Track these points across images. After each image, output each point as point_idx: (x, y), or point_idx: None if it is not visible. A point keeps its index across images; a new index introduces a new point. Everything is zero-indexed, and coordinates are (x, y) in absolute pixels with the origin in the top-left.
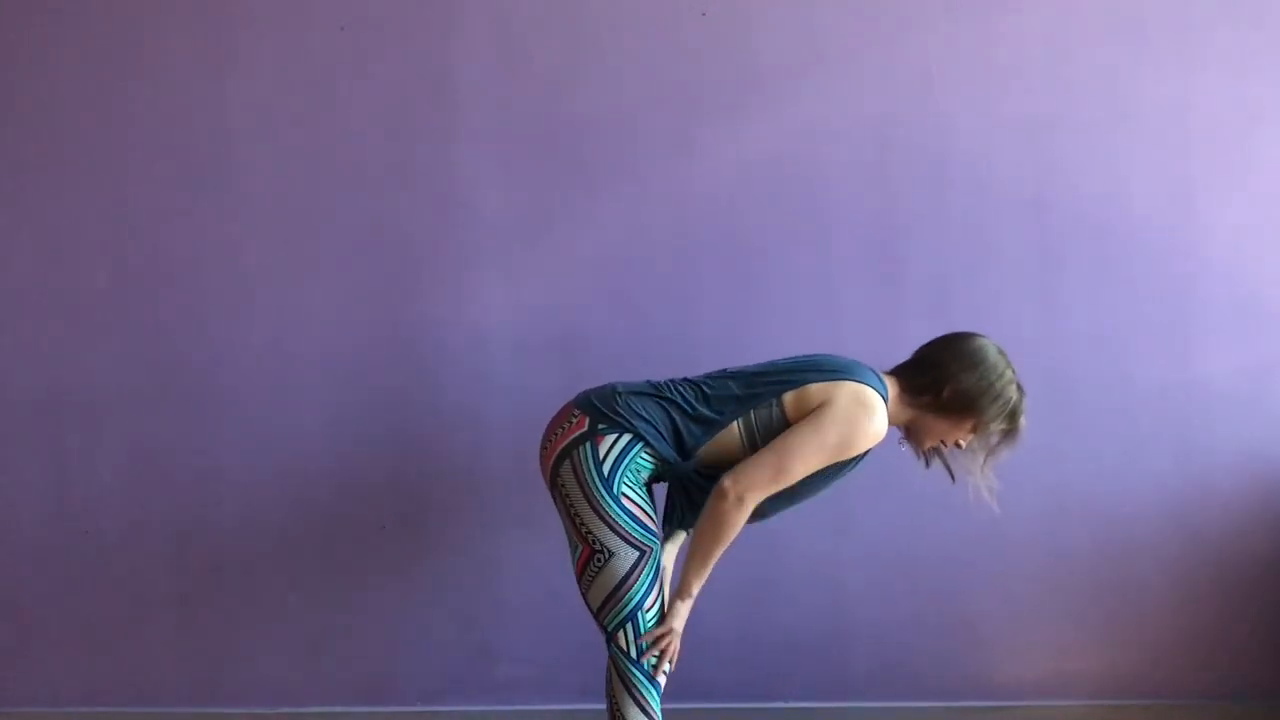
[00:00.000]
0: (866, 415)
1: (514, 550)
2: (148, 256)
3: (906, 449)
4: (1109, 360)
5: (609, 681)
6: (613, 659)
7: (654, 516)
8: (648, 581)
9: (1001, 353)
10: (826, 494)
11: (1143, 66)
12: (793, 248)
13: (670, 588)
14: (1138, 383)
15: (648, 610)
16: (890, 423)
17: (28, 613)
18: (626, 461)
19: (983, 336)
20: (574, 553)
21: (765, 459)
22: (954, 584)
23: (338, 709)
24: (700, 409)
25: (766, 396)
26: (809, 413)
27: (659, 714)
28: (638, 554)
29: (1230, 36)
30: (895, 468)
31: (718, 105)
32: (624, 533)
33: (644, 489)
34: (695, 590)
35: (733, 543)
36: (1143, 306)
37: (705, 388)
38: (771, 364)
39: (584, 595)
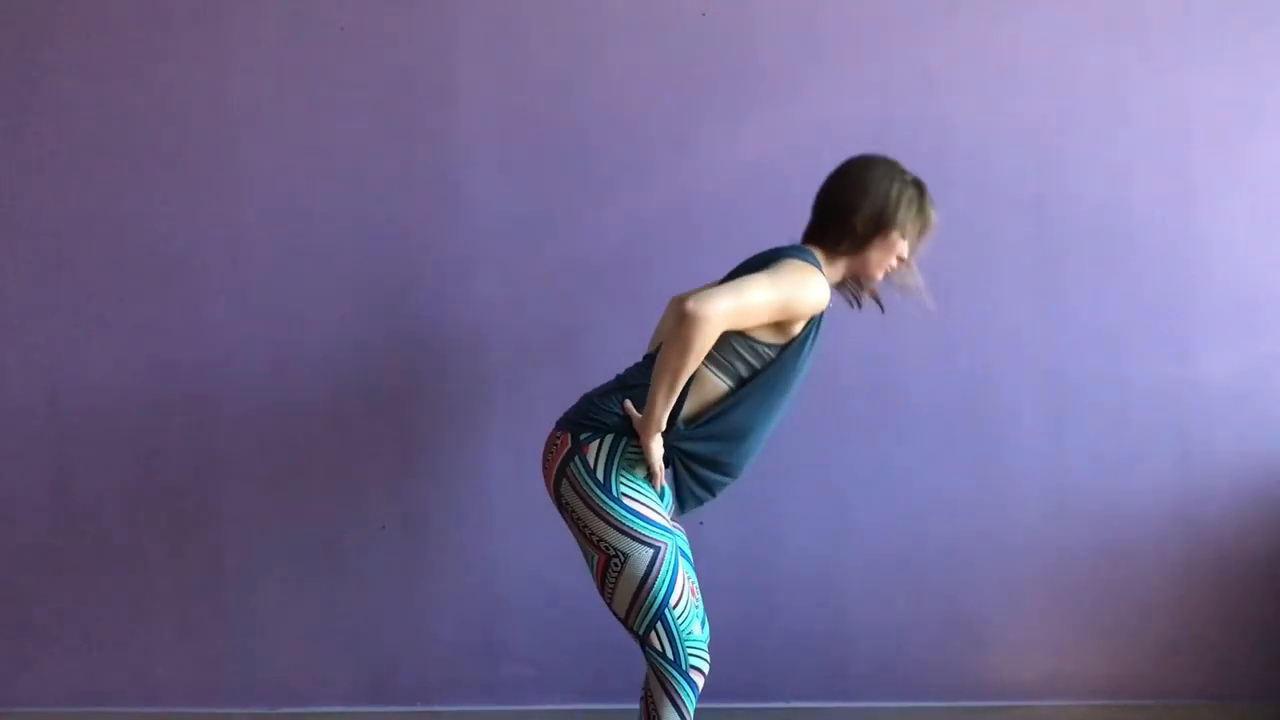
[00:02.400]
0: (809, 276)
1: (514, 550)
2: (148, 256)
3: (858, 308)
4: (1109, 359)
5: (646, 683)
6: (649, 661)
7: (659, 511)
8: (669, 578)
9: (884, 159)
10: (797, 396)
11: (1143, 66)
12: None
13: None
14: (1138, 382)
15: (674, 607)
16: (835, 286)
17: (28, 613)
18: (617, 459)
19: (860, 156)
20: (591, 565)
21: (724, 285)
22: (954, 584)
23: (338, 709)
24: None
25: None
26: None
27: (691, 715)
28: (652, 551)
29: (1230, 37)
30: (894, 467)
31: (718, 105)
32: (633, 532)
33: (645, 484)
34: (662, 417)
35: (732, 540)
36: (1143, 306)
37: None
38: None
39: (609, 605)
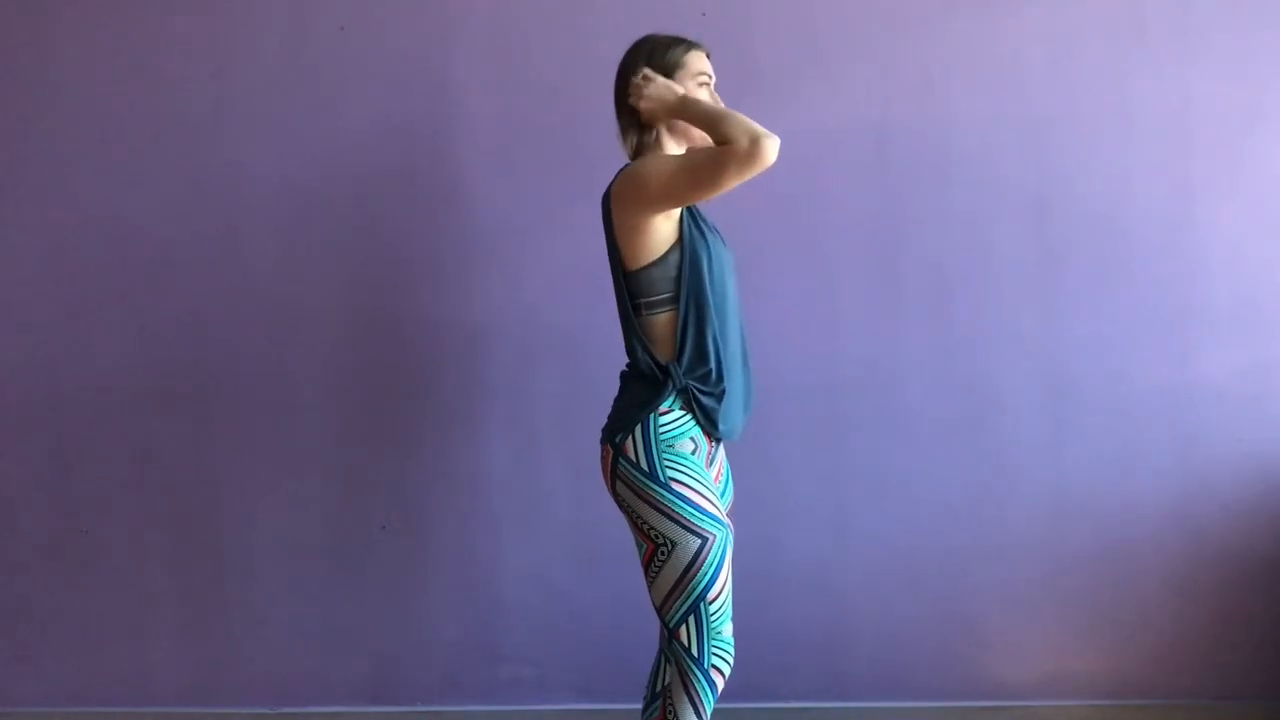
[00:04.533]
0: (656, 157)
1: (514, 550)
2: (148, 256)
3: None
4: (1109, 360)
5: (658, 676)
6: (675, 657)
7: (713, 500)
8: (712, 571)
9: (635, 45)
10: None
11: (1143, 66)
12: (793, 247)
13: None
14: (1138, 383)
15: (711, 601)
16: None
17: (28, 613)
18: (654, 443)
19: None
20: (640, 554)
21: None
22: (954, 584)
23: (338, 709)
24: (630, 351)
25: (615, 271)
26: (636, 216)
27: (708, 716)
28: (700, 541)
29: (1230, 36)
30: (894, 467)
31: None
32: (682, 519)
33: (694, 464)
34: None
35: (732, 540)
36: (1143, 306)
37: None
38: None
39: (649, 593)
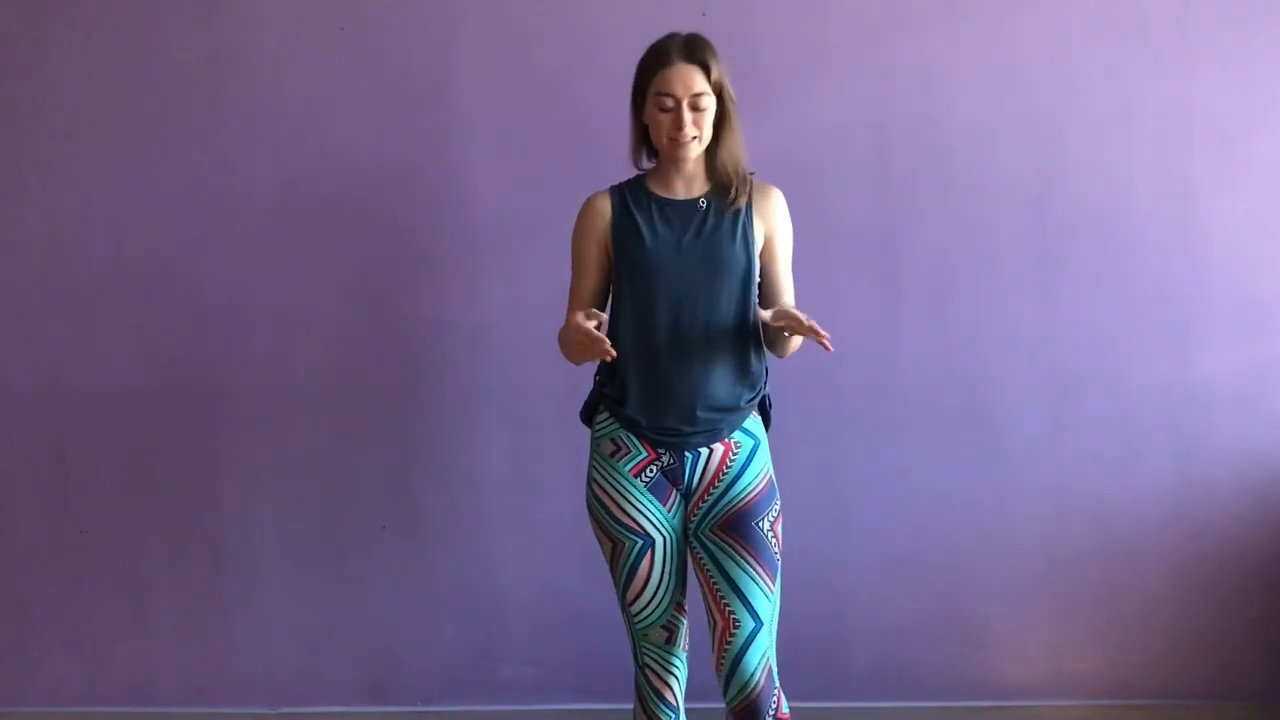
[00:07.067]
0: (576, 226)
1: (514, 550)
2: (148, 256)
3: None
4: (1109, 360)
5: None
6: None
7: (624, 508)
8: (622, 576)
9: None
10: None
11: (1143, 66)
12: (792, 247)
13: None
14: (1138, 383)
15: (630, 605)
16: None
17: (28, 613)
18: (591, 447)
19: None
20: None
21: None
22: (954, 583)
23: (338, 709)
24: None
25: None
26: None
27: (653, 712)
28: (611, 545)
29: (1230, 37)
30: (894, 467)
31: None
32: (599, 518)
33: (610, 467)
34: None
35: None
36: (1143, 306)
37: None
38: None
39: None
